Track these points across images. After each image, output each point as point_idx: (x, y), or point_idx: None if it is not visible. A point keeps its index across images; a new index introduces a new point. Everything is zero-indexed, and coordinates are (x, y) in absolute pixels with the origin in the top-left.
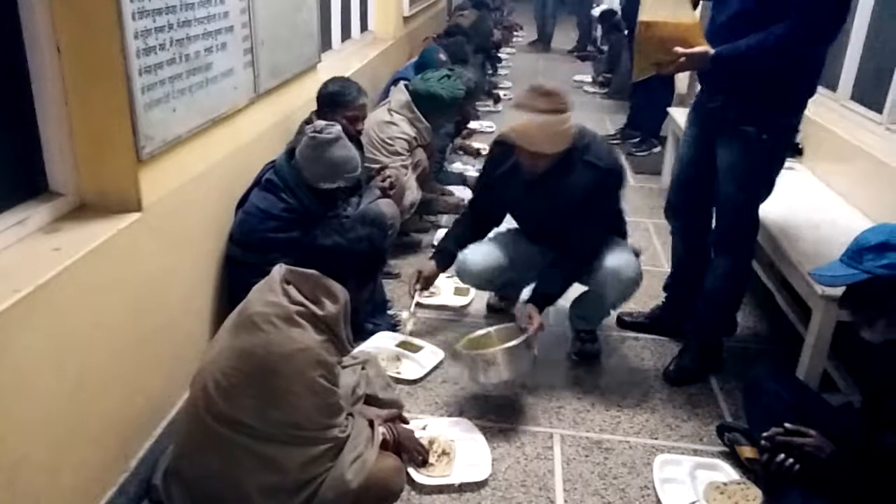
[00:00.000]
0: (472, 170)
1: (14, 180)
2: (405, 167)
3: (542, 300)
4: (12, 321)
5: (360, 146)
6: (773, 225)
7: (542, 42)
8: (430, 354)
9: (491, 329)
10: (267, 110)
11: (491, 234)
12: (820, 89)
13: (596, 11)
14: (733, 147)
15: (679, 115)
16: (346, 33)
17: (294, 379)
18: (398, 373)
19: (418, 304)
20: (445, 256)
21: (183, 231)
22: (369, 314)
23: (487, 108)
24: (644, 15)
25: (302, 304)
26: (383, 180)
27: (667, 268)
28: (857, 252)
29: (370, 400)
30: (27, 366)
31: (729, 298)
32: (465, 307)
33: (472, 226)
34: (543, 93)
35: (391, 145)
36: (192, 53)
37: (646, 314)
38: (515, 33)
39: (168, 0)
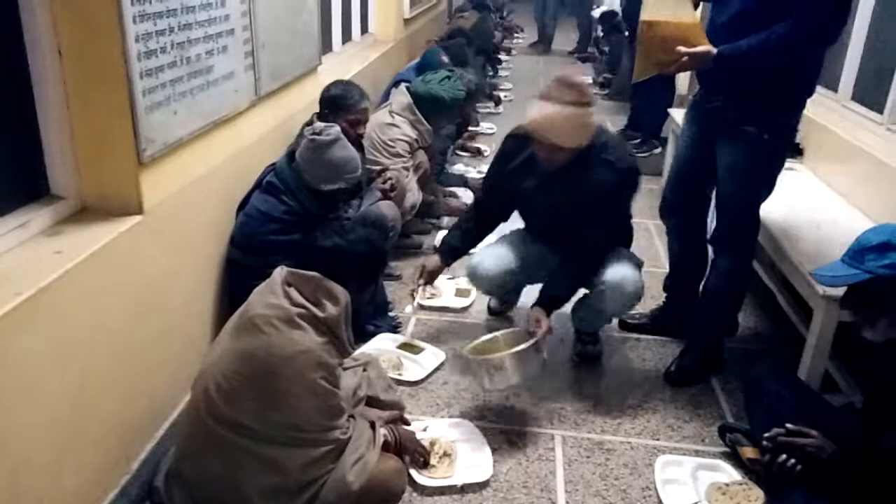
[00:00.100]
0: (473, 171)
1: (15, 183)
2: (406, 169)
3: (550, 303)
4: (14, 324)
5: (360, 148)
6: (774, 225)
7: (543, 43)
8: (432, 356)
9: (497, 333)
10: (268, 113)
11: (497, 236)
12: (820, 90)
13: (596, 13)
14: (734, 147)
15: (679, 116)
16: (346, 35)
17: (295, 381)
18: (399, 374)
19: (420, 306)
20: (449, 251)
21: (184, 234)
22: (370, 316)
23: (488, 110)
24: (646, 14)
25: (303, 306)
26: (384, 182)
27: (668, 269)
28: (859, 252)
29: (371, 401)
30: (29, 369)
31: (730, 298)
32: (466, 308)
33: (477, 221)
34: (571, 84)
35: (392, 147)
36: (193, 56)
37: (647, 315)
38: (516, 35)
39: (169, 3)
